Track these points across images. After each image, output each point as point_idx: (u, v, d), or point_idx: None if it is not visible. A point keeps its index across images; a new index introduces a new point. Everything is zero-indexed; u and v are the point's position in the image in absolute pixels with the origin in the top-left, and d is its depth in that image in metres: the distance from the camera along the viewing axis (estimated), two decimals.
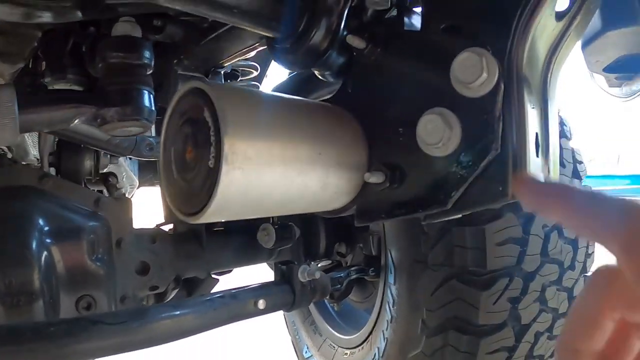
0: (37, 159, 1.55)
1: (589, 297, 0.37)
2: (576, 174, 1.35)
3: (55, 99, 0.83)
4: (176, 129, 0.52)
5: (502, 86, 0.49)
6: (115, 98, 0.81)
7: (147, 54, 0.86)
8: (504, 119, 0.49)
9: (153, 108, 0.83)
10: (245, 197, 0.46)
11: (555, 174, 0.55)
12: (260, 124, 0.47)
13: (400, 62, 0.57)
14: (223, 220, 0.45)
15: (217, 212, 0.46)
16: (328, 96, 0.66)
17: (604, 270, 0.37)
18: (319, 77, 0.71)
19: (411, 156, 0.53)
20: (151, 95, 0.84)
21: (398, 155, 0.55)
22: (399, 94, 0.56)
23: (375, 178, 0.53)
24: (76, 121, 0.84)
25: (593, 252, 1.35)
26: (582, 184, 1.35)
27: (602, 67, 1.22)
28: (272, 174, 0.47)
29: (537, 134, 0.52)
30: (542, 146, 0.53)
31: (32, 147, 1.91)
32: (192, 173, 0.48)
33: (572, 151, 1.37)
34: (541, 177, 0.52)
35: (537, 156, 0.52)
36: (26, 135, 1.85)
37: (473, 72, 0.47)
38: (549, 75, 0.55)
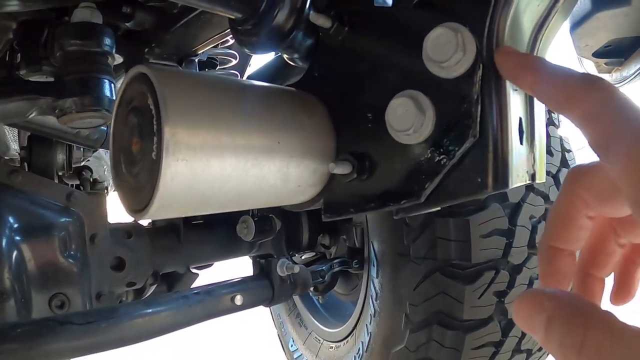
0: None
1: (563, 196, 0.39)
2: (564, 163, 1.32)
3: (8, 91, 0.78)
4: (123, 119, 0.47)
5: (481, 66, 0.44)
6: (73, 88, 0.76)
7: (107, 41, 0.81)
8: (482, 102, 0.44)
9: (114, 98, 0.78)
10: (192, 192, 0.42)
11: (541, 163, 0.50)
12: (208, 111, 0.43)
13: (368, 41, 0.52)
14: (173, 217, 0.41)
15: (162, 208, 0.41)
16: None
17: (576, 169, 0.39)
18: (289, 61, 0.66)
19: (381, 145, 0.49)
20: (112, 85, 0.79)
21: (367, 144, 0.50)
22: (368, 76, 0.51)
23: (341, 169, 0.48)
24: (33, 113, 0.79)
25: None
26: None
27: (591, 52, 1.19)
28: (221, 166, 0.43)
29: (520, 119, 0.47)
30: (527, 133, 0.48)
31: (13, 141, 1.86)
32: (138, 167, 0.44)
33: (561, 139, 1.34)
34: (524, 166, 0.48)
35: (522, 143, 0.47)
36: (7, 129, 1.81)
37: (447, 49, 0.43)
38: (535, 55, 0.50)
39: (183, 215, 0.45)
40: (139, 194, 0.43)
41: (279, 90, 0.55)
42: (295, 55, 0.63)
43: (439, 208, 0.53)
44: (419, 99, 0.45)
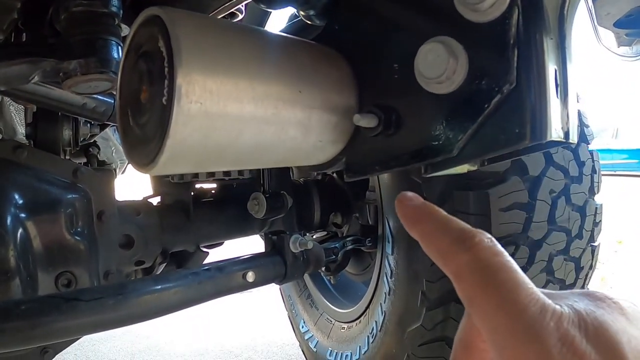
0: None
1: (463, 320, 0.40)
2: (583, 138, 1.28)
3: (10, 53, 0.75)
4: (131, 67, 0.44)
5: (517, 8, 0.40)
6: (77, 49, 0.73)
7: (114, 2, 0.78)
8: (519, 47, 0.40)
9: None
10: (206, 140, 0.38)
11: (574, 122, 0.47)
12: (225, 54, 0.39)
13: None
14: (185, 171, 0.37)
15: (173, 159, 0.38)
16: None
17: None
18: (304, 19, 0.63)
19: (409, 96, 0.45)
20: (119, 47, 0.75)
21: (393, 96, 0.46)
22: (393, 24, 0.47)
23: (366, 121, 0.45)
24: (36, 77, 0.76)
25: (601, 220, 1.28)
26: (589, 148, 1.27)
27: (612, 21, 1.14)
28: (239, 112, 0.39)
29: (555, 70, 0.44)
30: (561, 86, 0.45)
31: (20, 125, 1.84)
32: (146, 116, 0.40)
33: (579, 113, 1.30)
34: (559, 122, 0.45)
35: (557, 97, 0.44)
36: (13, 112, 1.78)
37: None
38: (566, 7, 0.46)
39: (196, 171, 0.42)
40: (148, 146, 0.40)
41: (299, 41, 0.51)
42: (312, 12, 0.60)
43: (473, 165, 0.50)
44: (450, 44, 0.41)
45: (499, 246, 0.35)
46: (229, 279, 1.06)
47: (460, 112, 0.42)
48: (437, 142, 0.44)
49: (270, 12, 1.60)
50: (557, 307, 0.30)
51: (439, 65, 0.41)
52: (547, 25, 0.43)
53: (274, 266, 1.14)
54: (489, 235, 0.36)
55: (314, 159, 0.50)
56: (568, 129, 0.46)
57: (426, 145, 0.44)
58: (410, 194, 0.42)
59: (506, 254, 0.34)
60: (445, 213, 0.39)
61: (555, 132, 0.43)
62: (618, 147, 12.48)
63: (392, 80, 0.47)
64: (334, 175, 1.56)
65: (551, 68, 0.43)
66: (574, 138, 0.47)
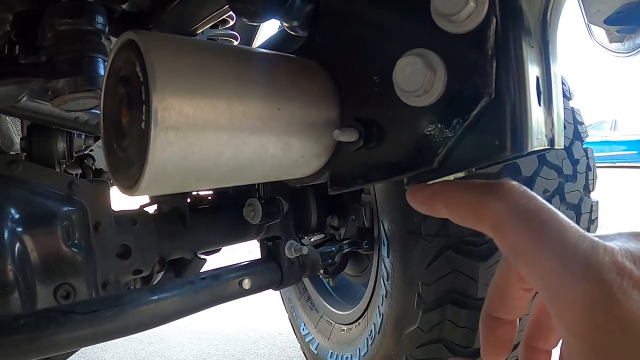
0: None
1: (500, 268, 0.40)
2: (577, 136, 1.28)
3: None
4: (112, 90, 0.44)
5: (495, 18, 0.40)
6: (64, 68, 0.73)
7: (99, 19, 0.78)
8: (497, 58, 0.40)
9: None
10: (186, 163, 0.38)
11: (559, 127, 0.47)
12: (201, 75, 0.39)
13: (372, 0, 0.48)
14: (168, 193, 0.38)
15: (154, 182, 0.38)
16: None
17: None
18: (288, 30, 0.63)
19: (389, 109, 0.45)
20: (106, 64, 0.76)
21: (374, 109, 0.47)
22: (372, 37, 0.47)
23: (346, 136, 0.45)
24: (24, 97, 0.76)
25: (597, 217, 1.28)
26: (584, 145, 1.27)
27: (603, 19, 1.14)
28: (216, 134, 0.39)
29: (537, 78, 0.44)
30: (544, 94, 0.45)
31: (17, 135, 1.84)
32: (127, 140, 0.41)
33: (573, 111, 1.30)
34: (542, 130, 0.45)
35: (540, 105, 0.44)
36: (10, 123, 1.79)
37: (457, 1, 0.39)
38: (549, 12, 0.46)
39: (178, 191, 0.42)
40: (130, 169, 0.40)
41: (278, 56, 0.51)
42: (295, 23, 0.60)
43: (452, 176, 0.50)
44: (428, 57, 0.41)
45: (531, 191, 0.35)
46: (225, 286, 1.06)
47: (440, 125, 0.43)
48: (417, 155, 0.44)
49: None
50: (608, 243, 0.29)
51: (417, 79, 0.42)
52: (527, 33, 0.43)
53: (269, 272, 1.15)
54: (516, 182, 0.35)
55: (297, 173, 0.51)
56: (553, 135, 0.46)
57: (407, 157, 0.44)
58: (418, 184, 0.43)
59: (540, 197, 0.34)
60: (454, 181, 0.40)
61: (537, 142, 0.43)
62: (617, 139, 12.48)
63: (372, 93, 0.47)
64: None
65: (532, 77, 0.43)
66: (559, 144, 0.47)
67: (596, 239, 0.29)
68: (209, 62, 0.41)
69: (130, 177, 0.40)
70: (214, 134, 0.39)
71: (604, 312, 0.26)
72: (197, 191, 1.36)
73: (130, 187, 0.40)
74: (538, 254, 0.30)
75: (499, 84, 0.41)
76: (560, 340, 0.41)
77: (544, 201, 0.33)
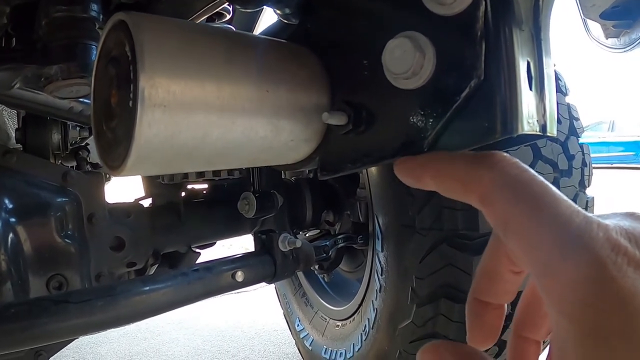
0: None
1: (488, 249, 0.38)
2: (573, 131, 1.28)
3: None
4: (103, 72, 0.44)
5: (484, 0, 0.40)
6: (58, 54, 0.73)
7: (94, 6, 0.78)
8: (487, 40, 0.40)
9: None
10: (173, 142, 0.38)
11: (552, 115, 0.46)
12: (190, 55, 0.39)
13: None
14: (155, 173, 0.37)
15: (140, 161, 0.38)
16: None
17: None
18: (280, 18, 0.63)
19: (378, 93, 0.45)
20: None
21: (363, 93, 0.46)
22: (362, 20, 0.47)
23: (335, 119, 0.45)
24: (17, 84, 0.76)
25: (592, 209, 1.28)
26: (579, 141, 1.27)
27: (598, 13, 1.13)
28: (205, 113, 0.39)
29: (528, 62, 0.43)
30: (536, 80, 0.44)
31: (13, 129, 1.84)
32: (116, 120, 0.41)
33: (569, 107, 1.30)
34: (533, 114, 0.44)
35: (531, 89, 0.43)
36: (6, 117, 1.78)
37: None
38: None
39: (165, 172, 0.42)
40: (117, 148, 0.40)
41: (268, 40, 0.51)
42: (287, 10, 0.60)
43: None
44: (417, 39, 0.41)
45: (522, 163, 0.33)
46: (218, 279, 1.06)
47: (429, 107, 0.42)
48: (406, 138, 0.44)
49: (262, 11, 1.60)
50: (602, 220, 0.27)
51: (406, 61, 0.41)
52: (518, 17, 0.42)
53: (263, 265, 1.15)
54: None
55: (288, 158, 0.50)
56: (545, 122, 0.45)
57: (396, 141, 0.44)
58: (405, 157, 0.42)
59: (532, 170, 0.32)
60: (443, 153, 0.39)
61: (528, 126, 0.43)
62: (614, 140, 12.50)
63: (362, 76, 0.47)
64: None
65: (522, 60, 0.42)
66: (552, 131, 0.47)
67: (590, 214, 0.28)
68: (199, 43, 0.41)
69: (117, 157, 0.40)
70: (202, 113, 0.39)
71: (598, 289, 0.25)
72: (186, 173, 1.35)
73: (117, 168, 0.40)
74: (528, 226, 0.29)
75: (488, 66, 0.40)
76: (550, 333, 0.40)
77: (535, 173, 0.32)
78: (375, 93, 0.45)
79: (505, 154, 0.35)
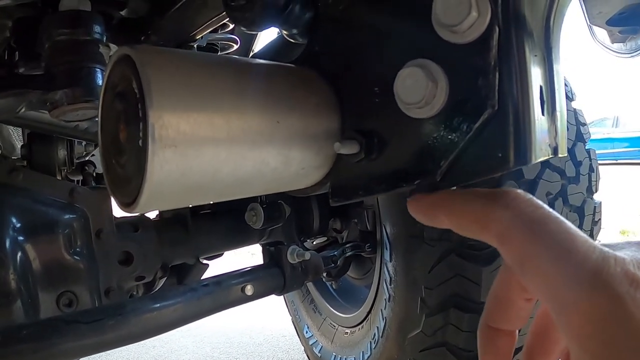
0: None
1: (500, 276, 0.38)
2: (580, 137, 1.27)
3: None
4: (109, 105, 0.44)
5: (497, 28, 0.39)
6: (62, 79, 0.73)
7: (97, 28, 0.78)
8: (500, 69, 0.39)
9: None
10: (184, 180, 0.38)
11: (563, 135, 0.46)
12: (198, 91, 0.39)
13: (372, 8, 0.47)
14: (168, 209, 0.37)
15: (153, 199, 0.38)
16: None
17: None
18: (288, 38, 0.62)
19: (390, 120, 0.44)
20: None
21: (375, 121, 0.46)
22: (373, 46, 0.47)
23: (347, 148, 0.44)
24: (22, 109, 0.76)
25: (600, 219, 1.27)
26: (586, 147, 1.27)
27: (605, 20, 1.13)
28: (215, 150, 0.39)
29: (541, 87, 0.43)
30: (548, 103, 0.44)
31: (19, 141, 1.84)
32: (125, 156, 0.40)
33: (575, 112, 1.29)
34: (545, 139, 0.44)
35: (543, 114, 0.43)
36: (11, 129, 1.79)
37: (459, 11, 0.38)
38: (552, 18, 0.45)
39: (178, 207, 0.41)
40: (128, 186, 0.40)
41: (276, 66, 0.51)
42: (294, 31, 0.59)
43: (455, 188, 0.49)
44: (430, 68, 0.41)
45: (537, 200, 0.34)
46: (228, 293, 1.06)
47: (442, 137, 0.42)
48: (419, 167, 0.43)
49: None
50: (618, 253, 0.28)
51: (418, 90, 0.41)
52: (530, 41, 0.42)
53: (272, 278, 1.14)
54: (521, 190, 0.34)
55: (298, 184, 0.50)
56: (557, 144, 0.45)
57: (408, 169, 0.44)
58: (419, 195, 0.42)
59: (547, 206, 0.33)
60: (456, 190, 0.39)
61: (540, 153, 0.42)
62: (619, 136, 12.46)
63: (373, 104, 0.46)
64: None
65: (536, 86, 0.42)
66: (563, 151, 0.46)
67: (606, 249, 0.28)
68: (206, 76, 0.41)
69: (128, 194, 0.40)
70: (212, 150, 0.39)
71: (617, 327, 0.25)
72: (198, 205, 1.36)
73: (129, 205, 0.39)
74: (546, 265, 0.29)
75: (502, 95, 0.40)
76: (561, 354, 0.40)
77: (550, 210, 0.32)
78: (387, 121, 0.45)
79: (519, 191, 0.35)
